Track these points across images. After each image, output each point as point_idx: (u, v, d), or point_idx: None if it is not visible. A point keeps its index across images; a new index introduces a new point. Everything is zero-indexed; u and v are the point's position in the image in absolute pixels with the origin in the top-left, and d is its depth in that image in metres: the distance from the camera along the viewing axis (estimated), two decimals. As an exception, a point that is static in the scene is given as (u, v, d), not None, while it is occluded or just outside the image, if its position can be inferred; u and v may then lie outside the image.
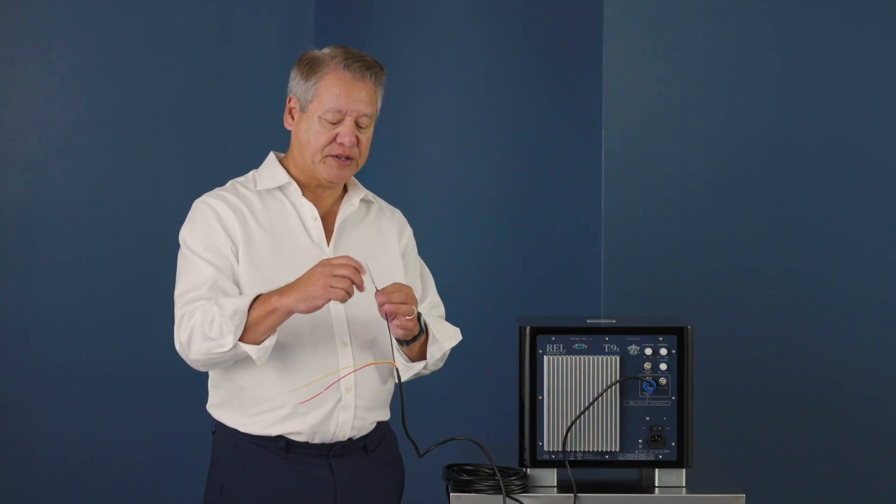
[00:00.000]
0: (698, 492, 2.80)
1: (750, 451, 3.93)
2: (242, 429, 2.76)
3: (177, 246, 4.17)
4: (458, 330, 2.87)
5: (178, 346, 2.69)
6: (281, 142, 4.15)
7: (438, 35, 4.24)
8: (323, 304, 2.59)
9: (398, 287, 2.67)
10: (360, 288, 2.58)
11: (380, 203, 2.95)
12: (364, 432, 2.80)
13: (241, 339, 2.60)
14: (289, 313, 2.60)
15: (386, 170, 4.25)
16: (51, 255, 4.06)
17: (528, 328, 2.82)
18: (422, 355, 2.79)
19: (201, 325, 2.61)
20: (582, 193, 4.13)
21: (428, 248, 4.24)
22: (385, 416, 2.86)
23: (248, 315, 2.59)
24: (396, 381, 2.76)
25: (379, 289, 2.66)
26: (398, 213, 2.98)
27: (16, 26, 4.07)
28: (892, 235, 3.93)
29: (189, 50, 4.13)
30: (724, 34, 3.96)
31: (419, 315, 2.76)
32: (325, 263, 2.59)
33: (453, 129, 4.25)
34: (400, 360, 2.77)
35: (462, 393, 4.14)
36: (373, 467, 2.82)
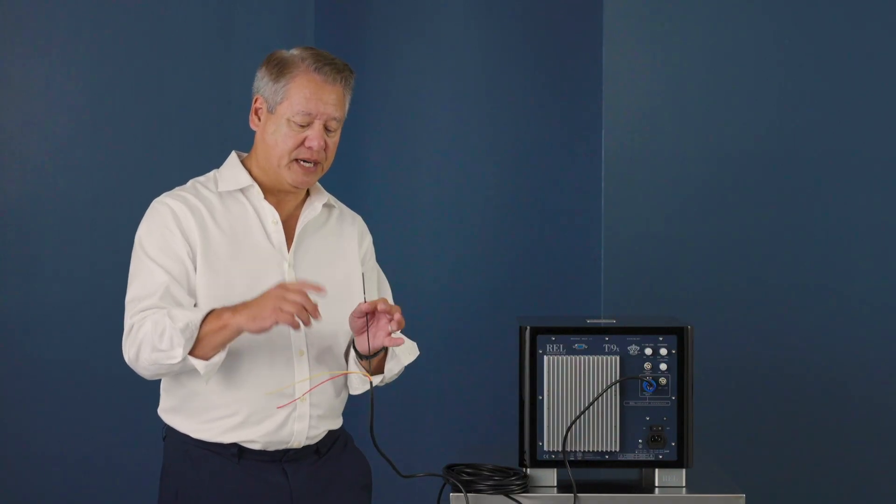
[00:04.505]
0: (698, 492, 2.80)
1: (750, 451, 3.93)
2: (194, 435, 2.73)
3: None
4: (415, 345, 2.86)
5: (125, 356, 2.65)
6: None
7: (438, 35, 4.24)
8: (271, 326, 2.53)
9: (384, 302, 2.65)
10: (314, 315, 2.53)
11: (341, 208, 2.91)
12: (317, 440, 2.78)
13: (190, 353, 2.57)
14: (239, 331, 2.57)
15: (386, 170, 4.25)
16: (51, 255, 4.06)
17: (528, 328, 2.82)
18: (379, 370, 2.77)
19: (151, 335, 2.57)
20: (582, 193, 4.13)
21: (428, 248, 4.26)
22: (337, 424, 2.84)
23: (200, 329, 2.56)
24: (367, 390, 2.75)
25: (367, 300, 2.66)
26: (359, 220, 2.94)
27: (16, 25, 4.07)
28: (893, 236, 3.93)
29: (189, 50, 4.13)
30: (725, 34, 3.96)
31: None
32: (281, 286, 2.55)
33: (453, 129, 4.25)
34: (358, 376, 2.76)
35: (462, 392, 4.14)
36: (328, 469, 2.80)
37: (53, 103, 4.08)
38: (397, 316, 2.62)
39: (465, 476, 2.77)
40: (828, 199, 3.95)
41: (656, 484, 2.83)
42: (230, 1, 4.15)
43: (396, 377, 2.85)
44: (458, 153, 4.22)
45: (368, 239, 2.94)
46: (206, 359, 2.59)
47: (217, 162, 4.13)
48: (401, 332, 2.71)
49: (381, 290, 2.94)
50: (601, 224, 3.98)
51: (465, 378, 4.13)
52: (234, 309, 2.57)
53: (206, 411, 2.71)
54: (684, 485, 2.82)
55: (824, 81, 3.95)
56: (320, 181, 2.84)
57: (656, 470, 2.82)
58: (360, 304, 2.65)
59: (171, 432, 2.79)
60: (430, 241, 4.19)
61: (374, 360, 2.72)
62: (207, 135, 4.14)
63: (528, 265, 4.21)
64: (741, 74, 3.96)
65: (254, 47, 4.15)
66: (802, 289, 3.95)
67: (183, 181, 4.10)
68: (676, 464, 2.81)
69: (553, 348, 2.81)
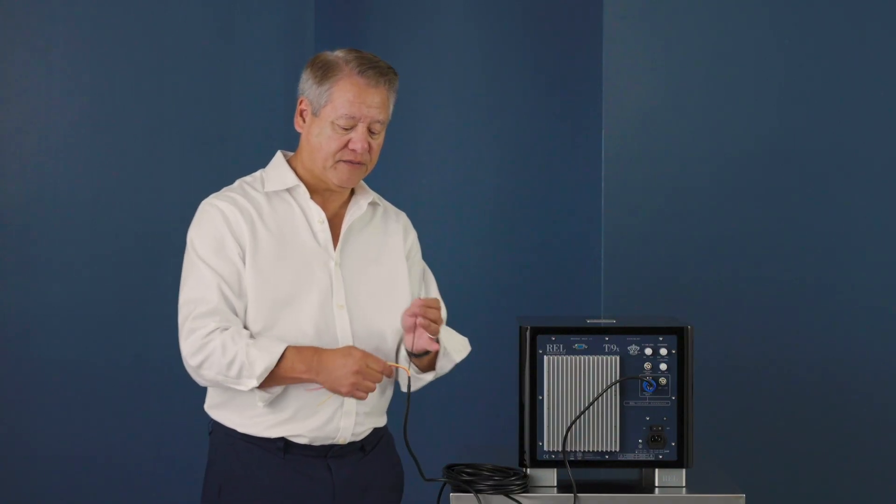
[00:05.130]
0: (698, 492, 2.80)
1: (750, 451, 3.93)
2: (241, 429, 2.77)
3: (177, 245, 4.16)
4: (466, 340, 2.88)
5: (187, 359, 2.70)
6: (280, 141, 4.14)
7: (438, 35, 4.24)
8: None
9: (434, 303, 2.68)
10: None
11: (385, 205, 2.95)
12: (362, 437, 2.81)
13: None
14: (309, 382, 2.68)
15: (386, 170, 4.23)
16: (51, 255, 4.06)
17: (528, 328, 2.82)
18: (431, 367, 2.81)
19: (218, 361, 2.64)
20: (582, 193, 4.13)
21: (428, 249, 4.24)
22: (382, 422, 2.87)
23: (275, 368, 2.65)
24: (405, 391, 2.77)
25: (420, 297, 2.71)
26: (403, 216, 2.98)
27: (16, 26, 4.07)
28: (893, 236, 3.93)
29: (189, 49, 4.13)
30: (725, 34, 3.96)
31: None
32: (362, 368, 2.62)
33: (453, 130, 4.24)
34: (411, 370, 2.80)
35: (462, 393, 4.14)
36: (370, 467, 2.83)
37: (53, 103, 4.08)
38: (433, 327, 2.67)
39: (465, 476, 2.77)
40: (828, 199, 3.95)
41: (656, 484, 2.83)
42: (230, 1, 4.15)
43: (449, 371, 2.86)
44: (458, 153, 4.22)
45: (413, 235, 2.97)
46: (267, 389, 2.69)
47: (217, 162, 4.15)
48: (451, 327, 2.85)
49: (427, 285, 2.96)
50: (601, 224, 3.98)
51: (465, 378, 4.12)
52: (309, 362, 2.64)
53: (253, 407, 2.74)
54: (684, 485, 2.82)
55: (825, 81, 3.95)
56: (365, 179, 2.88)
57: (656, 470, 2.82)
58: (414, 300, 2.70)
59: (217, 427, 2.82)
60: (430, 242, 4.17)
61: (424, 358, 2.76)
62: (207, 135, 4.14)
63: (528, 265, 4.21)
64: (741, 74, 3.96)
65: (254, 47, 4.16)
66: (802, 289, 3.94)
67: (183, 181, 4.12)
68: (676, 464, 2.81)
69: (553, 348, 2.81)
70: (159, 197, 4.11)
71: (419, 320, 2.65)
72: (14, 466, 4.05)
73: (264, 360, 2.62)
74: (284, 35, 4.16)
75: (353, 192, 2.87)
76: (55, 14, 4.06)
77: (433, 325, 2.67)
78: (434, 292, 2.97)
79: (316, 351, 2.67)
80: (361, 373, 2.62)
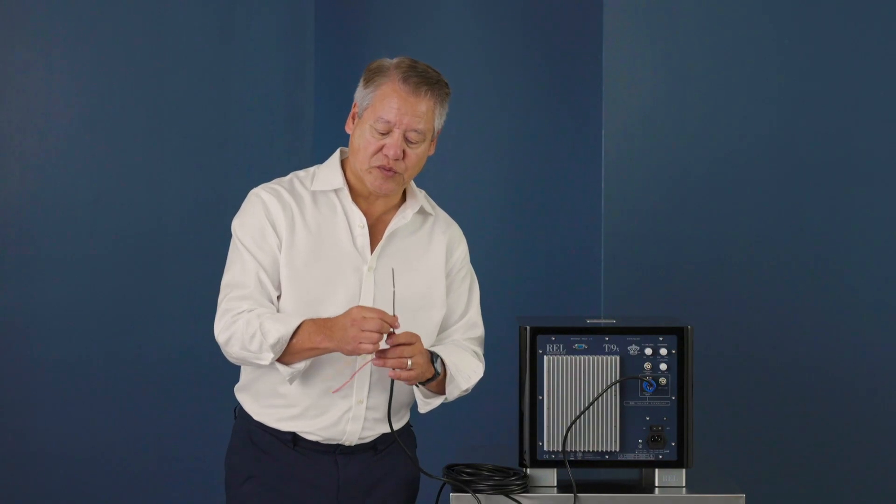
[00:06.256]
0: (698, 492, 2.80)
1: (750, 451, 3.93)
2: (255, 417, 2.81)
3: (176, 245, 4.18)
4: (480, 366, 2.86)
5: (217, 336, 2.74)
6: (280, 142, 4.15)
7: (439, 35, 4.24)
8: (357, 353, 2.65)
9: (404, 339, 2.66)
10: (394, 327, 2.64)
11: (438, 215, 2.92)
12: (370, 440, 2.82)
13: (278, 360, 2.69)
14: (327, 352, 2.68)
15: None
16: (51, 255, 4.06)
17: (528, 328, 2.82)
18: (440, 391, 2.80)
19: (241, 335, 2.67)
20: (582, 193, 4.13)
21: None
22: (404, 419, 2.87)
23: (290, 341, 2.65)
24: (429, 410, 2.81)
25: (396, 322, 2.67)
26: (454, 229, 2.95)
27: (16, 26, 4.07)
28: (893, 235, 3.93)
29: (189, 50, 4.13)
30: (725, 34, 3.96)
31: (435, 355, 2.75)
32: (358, 316, 2.60)
33: (453, 130, 4.22)
34: (419, 396, 2.80)
35: (462, 393, 4.14)
36: (381, 466, 2.83)
37: (53, 103, 4.08)
38: (391, 362, 2.65)
39: (465, 476, 2.77)
40: (828, 199, 3.95)
41: (656, 484, 2.83)
42: (230, 1, 4.15)
43: (466, 393, 2.84)
44: (459, 153, 4.22)
45: (461, 249, 2.94)
46: (291, 364, 2.70)
47: (216, 162, 4.14)
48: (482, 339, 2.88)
49: (469, 300, 2.93)
50: (601, 224, 3.98)
51: (465, 378, 4.12)
52: (324, 331, 2.65)
53: (267, 396, 2.78)
54: (684, 485, 2.82)
55: (824, 81, 3.95)
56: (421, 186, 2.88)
57: (656, 470, 2.83)
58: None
59: (240, 412, 2.86)
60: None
61: (432, 383, 2.75)
62: (207, 135, 4.13)
63: (528, 265, 4.21)
64: (741, 74, 3.96)
65: (254, 47, 4.15)
66: (803, 288, 3.94)
67: (182, 181, 4.12)
68: (676, 464, 2.82)
69: (553, 348, 2.82)
70: (159, 197, 4.11)
71: (390, 361, 2.65)
72: (14, 466, 4.05)
73: (279, 331, 2.64)
74: (284, 35, 4.16)
75: (405, 198, 2.86)
76: (55, 14, 4.06)
77: (402, 364, 2.65)
78: (473, 308, 2.94)
79: (328, 319, 2.68)
80: (359, 321, 2.59)
